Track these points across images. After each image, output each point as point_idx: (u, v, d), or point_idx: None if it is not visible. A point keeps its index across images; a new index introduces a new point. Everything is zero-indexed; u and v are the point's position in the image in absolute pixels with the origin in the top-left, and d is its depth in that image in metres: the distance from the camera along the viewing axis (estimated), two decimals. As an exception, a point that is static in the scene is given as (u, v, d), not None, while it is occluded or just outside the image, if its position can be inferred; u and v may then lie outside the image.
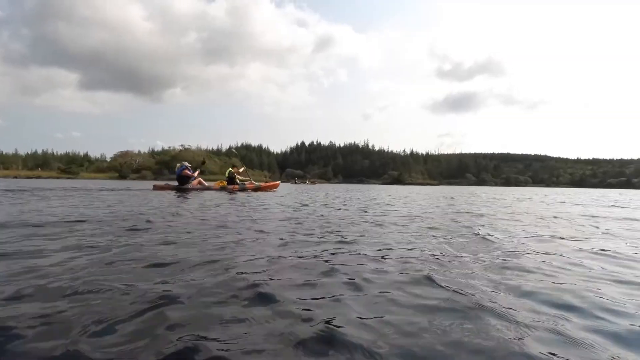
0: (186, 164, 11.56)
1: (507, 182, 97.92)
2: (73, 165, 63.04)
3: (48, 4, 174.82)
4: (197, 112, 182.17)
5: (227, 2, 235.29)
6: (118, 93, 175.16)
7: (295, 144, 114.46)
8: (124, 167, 62.99)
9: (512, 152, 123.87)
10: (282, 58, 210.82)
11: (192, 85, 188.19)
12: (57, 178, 51.02)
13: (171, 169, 66.05)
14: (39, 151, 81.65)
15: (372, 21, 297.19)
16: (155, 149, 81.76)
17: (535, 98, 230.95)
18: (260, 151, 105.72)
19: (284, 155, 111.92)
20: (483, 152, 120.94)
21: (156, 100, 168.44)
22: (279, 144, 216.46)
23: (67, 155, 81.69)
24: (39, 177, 52.39)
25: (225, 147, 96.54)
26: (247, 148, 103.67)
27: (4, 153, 75.10)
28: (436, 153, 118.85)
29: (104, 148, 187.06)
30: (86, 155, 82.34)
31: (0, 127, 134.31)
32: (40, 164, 71.66)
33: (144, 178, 59.71)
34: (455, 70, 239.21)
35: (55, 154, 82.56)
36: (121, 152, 69.64)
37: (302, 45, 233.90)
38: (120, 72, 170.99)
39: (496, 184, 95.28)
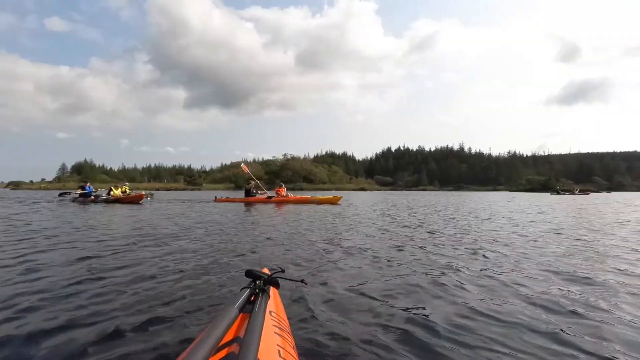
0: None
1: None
2: (197, 177, 69.55)
3: (170, 29, 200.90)
4: (295, 123, 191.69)
5: (336, 15, 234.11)
6: (221, 109, 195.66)
7: (381, 150, 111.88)
8: (239, 177, 67.29)
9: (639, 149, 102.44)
10: (378, 63, 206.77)
11: (289, 97, 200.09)
12: (184, 189, 56.17)
13: (282, 178, 70.23)
14: (152, 165, 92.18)
15: (479, 13, 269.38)
16: (263, 159, 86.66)
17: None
18: (345, 158, 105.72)
19: (370, 162, 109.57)
20: (600, 151, 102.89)
21: (254, 112, 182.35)
22: (365, 152, 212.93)
23: (174, 167, 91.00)
24: (176, 189, 58.61)
25: (312, 155, 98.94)
26: (332, 156, 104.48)
27: (126, 168, 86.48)
28: (545, 154, 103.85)
29: (211, 161, 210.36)
30: (190, 167, 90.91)
31: (126, 146, 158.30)
32: (154, 176, 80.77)
33: (258, 187, 62.74)
34: (578, 53, 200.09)
35: (165, 167, 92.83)
36: (234, 163, 75.31)
37: (398, 47, 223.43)
38: (222, 89, 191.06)
39: (638, 188, 79.10)
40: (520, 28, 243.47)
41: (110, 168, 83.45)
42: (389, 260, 3.02)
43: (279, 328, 0.98)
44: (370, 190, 68.54)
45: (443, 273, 2.56)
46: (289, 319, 1.29)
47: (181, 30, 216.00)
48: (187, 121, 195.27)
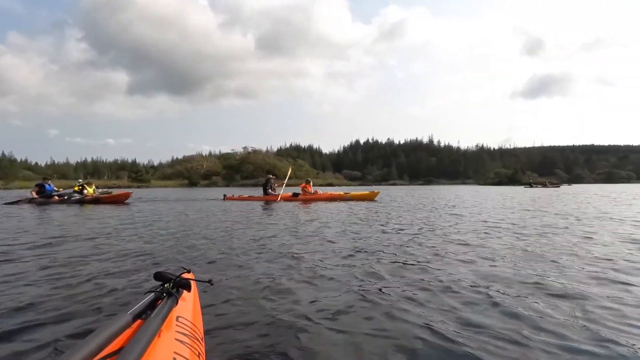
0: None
1: (609, 179, 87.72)
2: (143, 173, 64.85)
3: (108, 2, 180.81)
4: (256, 113, 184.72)
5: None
6: (171, 96, 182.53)
7: (349, 143, 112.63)
8: (192, 173, 63.61)
9: (597, 143, 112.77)
10: (346, 51, 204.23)
11: (249, 84, 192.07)
12: (129, 187, 51.36)
13: (243, 173, 67.02)
14: (89, 159, 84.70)
15: (447, 2, 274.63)
16: (220, 152, 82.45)
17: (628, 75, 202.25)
18: (311, 152, 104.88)
19: (337, 155, 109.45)
20: (561, 144, 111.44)
21: (209, 100, 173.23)
22: (331, 144, 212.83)
23: (115, 162, 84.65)
24: (118, 187, 53.21)
25: (275, 149, 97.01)
26: (297, 149, 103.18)
27: (56, 162, 78.90)
28: (511, 147, 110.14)
29: (160, 154, 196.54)
30: (134, 161, 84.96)
31: (55, 137, 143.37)
32: (91, 171, 74.37)
33: (215, 184, 59.41)
34: (542, 48, 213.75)
35: (104, 161, 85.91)
36: (186, 156, 71.22)
37: (367, 34, 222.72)
38: (172, 73, 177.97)
39: (595, 181, 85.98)
40: (487, 20, 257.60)
41: (36, 163, 75.23)
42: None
43: (185, 335, 0.94)
44: (339, 185, 67.07)
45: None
46: (207, 325, 1.29)
47: (121, 3, 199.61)
48: (131, 109, 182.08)
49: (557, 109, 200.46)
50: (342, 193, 12.07)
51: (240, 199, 12.22)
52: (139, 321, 0.90)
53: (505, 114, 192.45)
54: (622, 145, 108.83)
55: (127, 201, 11.63)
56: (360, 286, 2.24)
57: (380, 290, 2.17)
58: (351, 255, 3.15)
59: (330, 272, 2.59)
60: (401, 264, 2.82)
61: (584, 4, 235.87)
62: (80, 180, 12.85)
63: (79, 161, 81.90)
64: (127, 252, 3.33)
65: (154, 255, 3.17)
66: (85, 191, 11.68)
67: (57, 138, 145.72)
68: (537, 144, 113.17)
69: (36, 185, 11.97)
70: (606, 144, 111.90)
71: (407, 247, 3.57)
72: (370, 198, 11.84)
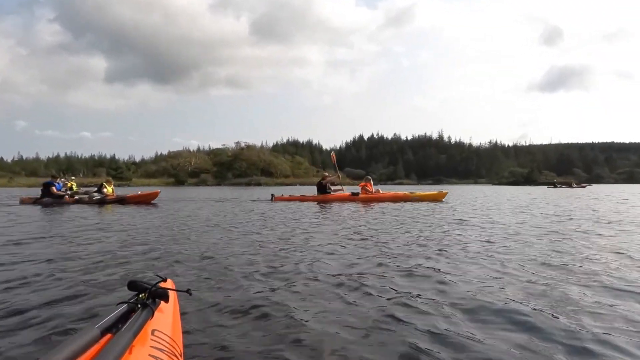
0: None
1: (631, 179, 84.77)
2: (124, 170, 61.70)
3: None
4: (249, 104, 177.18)
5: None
6: (154, 85, 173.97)
7: (352, 138, 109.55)
8: (179, 171, 59.98)
9: (617, 140, 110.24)
10: (348, 37, 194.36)
11: (241, 72, 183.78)
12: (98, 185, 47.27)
13: (235, 171, 63.08)
14: (62, 155, 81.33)
15: None
16: (210, 147, 79.54)
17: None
18: (310, 148, 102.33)
19: (339, 152, 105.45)
20: (579, 142, 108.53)
21: (198, 90, 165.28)
22: (332, 139, 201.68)
23: (92, 158, 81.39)
24: (96, 184, 48.86)
25: (270, 144, 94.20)
26: (294, 144, 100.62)
27: (24, 158, 75.48)
28: (526, 144, 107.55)
29: (143, 149, 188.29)
30: (113, 157, 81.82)
31: (23, 129, 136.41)
32: (64, 168, 69.25)
33: (204, 183, 55.10)
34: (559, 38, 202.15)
35: (80, 157, 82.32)
36: (172, 152, 67.85)
37: (372, 20, 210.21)
38: (156, 59, 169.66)
39: (616, 181, 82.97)
40: (503, 6, 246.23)
41: (1, 158, 70.46)
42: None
43: (162, 351, 0.91)
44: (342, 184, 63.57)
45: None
46: (188, 339, 1.26)
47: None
48: (110, 99, 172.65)
49: (576, 104, 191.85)
50: (407, 193, 11.92)
51: (292, 199, 12.00)
52: (108, 336, 0.86)
53: (520, 108, 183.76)
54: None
55: (153, 201, 11.47)
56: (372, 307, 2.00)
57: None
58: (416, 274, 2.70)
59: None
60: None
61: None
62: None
63: (50, 157, 78.46)
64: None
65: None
66: (104, 190, 11.16)
67: (25, 131, 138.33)
68: (554, 141, 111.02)
69: (44, 185, 11.36)
70: (627, 141, 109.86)
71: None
72: (438, 199, 11.59)
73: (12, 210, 8.95)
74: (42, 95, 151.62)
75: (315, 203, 10.74)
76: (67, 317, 1.81)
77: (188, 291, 1.21)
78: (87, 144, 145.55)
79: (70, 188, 18.11)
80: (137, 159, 78.85)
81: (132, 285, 1.10)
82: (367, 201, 10.81)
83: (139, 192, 11.77)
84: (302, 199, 11.84)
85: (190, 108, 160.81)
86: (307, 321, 1.78)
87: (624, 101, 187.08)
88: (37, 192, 11.33)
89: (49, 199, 10.72)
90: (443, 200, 11.60)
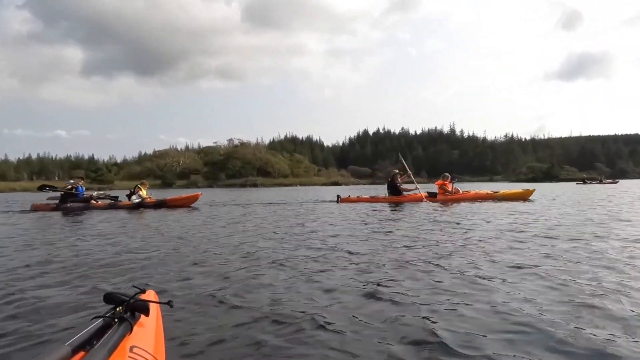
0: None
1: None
2: (105, 172, 58.08)
3: None
4: (243, 98, 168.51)
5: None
6: (138, 77, 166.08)
7: (356, 134, 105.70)
8: (166, 172, 57.64)
9: None
10: (350, 23, 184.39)
11: (234, 62, 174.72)
12: (87, 189, 42.65)
13: (228, 171, 58.61)
14: (34, 155, 77.11)
15: None
16: (200, 145, 76.53)
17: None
18: (311, 144, 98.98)
19: (342, 148, 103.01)
20: (601, 134, 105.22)
21: (186, 82, 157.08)
22: (335, 135, 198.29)
23: (68, 159, 77.95)
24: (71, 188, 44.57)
25: (267, 141, 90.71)
26: (293, 141, 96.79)
27: None
28: (544, 137, 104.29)
29: (125, 149, 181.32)
30: (92, 158, 78.41)
31: None
32: (36, 170, 68.62)
33: (195, 185, 50.46)
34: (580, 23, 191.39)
35: (54, 158, 78.21)
36: (158, 151, 66.37)
37: (375, 5, 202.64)
38: (139, 49, 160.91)
39: (641, 176, 79.27)
40: None
41: None
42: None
43: None
44: (346, 184, 63.29)
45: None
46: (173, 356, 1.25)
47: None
48: (87, 94, 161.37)
49: (597, 93, 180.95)
50: (490, 192, 11.53)
51: (360, 200, 11.56)
52: (80, 354, 0.83)
53: (538, 99, 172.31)
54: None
55: (193, 205, 11.47)
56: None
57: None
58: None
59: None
60: None
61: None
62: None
63: (21, 158, 73.86)
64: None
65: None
66: (140, 193, 10.84)
67: None
68: (575, 134, 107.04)
69: (68, 187, 11.00)
70: None
71: None
72: (525, 197, 11.25)
73: (24, 219, 8.22)
74: (11, 90, 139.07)
75: (387, 204, 10.31)
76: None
77: (169, 303, 1.16)
78: (62, 143, 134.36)
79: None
80: (119, 159, 75.25)
81: (109, 297, 1.05)
82: (445, 202, 10.40)
83: (182, 195, 11.85)
84: (373, 200, 11.48)
85: (178, 102, 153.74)
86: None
87: None
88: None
89: (76, 204, 10.41)
90: (530, 198, 11.19)
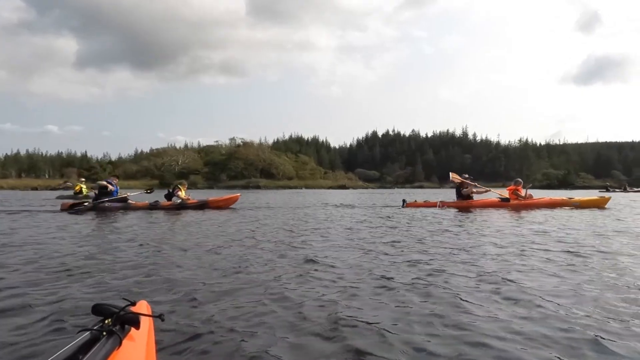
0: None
1: (679, 182, 79.69)
2: (99, 170, 55.60)
3: None
4: (247, 94, 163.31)
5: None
6: (134, 70, 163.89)
7: (364, 135, 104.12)
8: (165, 171, 56.55)
9: None
10: (362, 19, 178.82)
11: (238, 57, 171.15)
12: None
13: (230, 172, 56.72)
14: (22, 152, 75.93)
15: None
16: (200, 144, 76.20)
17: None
18: (317, 145, 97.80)
19: (349, 150, 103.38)
20: (618, 140, 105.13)
21: (186, 77, 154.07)
22: (342, 136, 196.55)
23: (59, 156, 77.45)
24: (66, 188, 44.95)
25: (270, 140, 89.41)
26: (298, 141, 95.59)
27: None
28: (560, 143, 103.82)
29: (120, 146, 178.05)
30: (85, 155, 77.62)
31: None
32: (26, 168, 67.55)
33: (194, 185, 48.64)
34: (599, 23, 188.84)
35: (45, 154, 77.11)
36: (157, 150, 65.41)
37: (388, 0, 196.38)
38: (136, 41, 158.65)
39: (662, 185, 78.01)
40: None
41: None
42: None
43: None
44: (354, 188, 62.65)
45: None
46: None
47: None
48: (81, 87, 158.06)
49: (615, 98, 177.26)
50: (564, 198, 11.43)
51: (427, 205, 11.45)
52: None
53: (553, 103, 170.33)
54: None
55: (232, 206, 11.63)
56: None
57: None
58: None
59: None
60: None
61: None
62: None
63: (9, 154, 72.34)
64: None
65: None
66: (179, 193, 10.91)
67: None
68: (591, 140, 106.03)
69: (99, 186, 10.95)
70: None
71: None
72: (600, 205, 11.14)
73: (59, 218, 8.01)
74: None
75: (457, 210, 10.28)
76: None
77: (160, 316, 1.13)
78: (53, 139, 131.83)
79: (80, 191, 17.63)
80: (114, 157, 74.39)
81: (97, 309, 1.02)
82: (517, 208, 10.44)
83: (224, 196, 11.98)
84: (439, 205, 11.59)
85: (177, 98, 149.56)
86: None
87: None
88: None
89: (114, 204, 10.33)
90: (605, 206, 11.07)
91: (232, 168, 61.74)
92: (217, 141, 72.66)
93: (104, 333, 0.94)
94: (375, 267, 3.30)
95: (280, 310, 2.19)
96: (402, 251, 4.13)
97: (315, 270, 3.18)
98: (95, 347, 0.87)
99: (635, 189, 38.44)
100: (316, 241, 4.77)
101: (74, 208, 9.87)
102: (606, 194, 25.87)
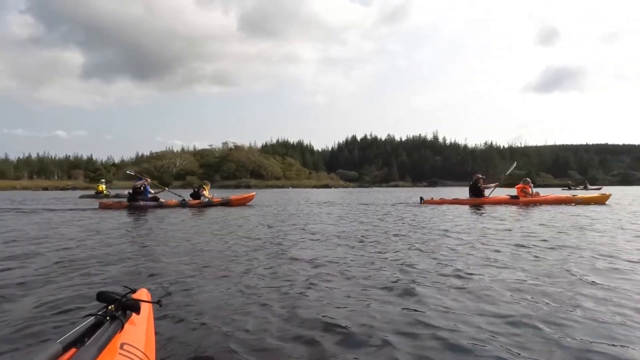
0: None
1: (625, 181, 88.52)
2: (103, 172, 60.71)
3: None
4: (237, 103, 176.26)
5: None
6: (135, 81, 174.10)
7: (344, 139, 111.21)
8: (163, 173, 60.55)
9: (611, 142, 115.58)
10: (342, 34, 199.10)
11: (229, 68, 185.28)
12: (86, 188, 47.79)
13: (223, 173, 62.74)
14: (34, 155, 79.74)
15: None
16: (195, 147, 79.70)
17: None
18: (301, 149, 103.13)
19: (331, 153, 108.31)
20: (574, 143, 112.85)
21: (181, 87, 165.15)
22: (324, 140, 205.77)
23: (67, 159, 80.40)
24: (74, 187, 50.31)
25: (259, 144, 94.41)
26: (284, 145, 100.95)
27: None
28: (522, 145, 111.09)
29: (122, 150, 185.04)
30: (90, 158, 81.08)
31: None
32: (36, 170, 70.14)
33: (190, 185, 54.57)
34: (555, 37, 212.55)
35: (53, 157, 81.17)
36: (156, 153, 68.79)
37: (366, 16, 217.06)
38: (136, 54, 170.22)
39: (611, 183, 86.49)
40: (499, 5, 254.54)
41: None
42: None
43: None
44: (335, 187, 66.89)
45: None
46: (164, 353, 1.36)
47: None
48: (86, 96, 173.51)
49: (572, 105, 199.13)
50: (569, 196, 12.01)
51: (443, 202, 11.94)
52: (72, 350, 0.85)
53: (515, 109, 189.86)
54: (638, 144, 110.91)
55: (249, 203, 12.26)
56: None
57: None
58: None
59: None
60: None
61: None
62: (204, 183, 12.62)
63: (21, 157, 76.58)
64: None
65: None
66: (204, 193, 11.52)
67: None
68: (550, 143, 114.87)
69: (139, 185, 11.04)
70: (621, 143, 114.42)
71: None
72: (600, 201, 11.56)
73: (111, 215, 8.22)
74: (10, 91, 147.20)
75: (469, 206, 10.52)
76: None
77: (158, 302, 1.23)
78: (61, 143, 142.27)
79: (101, 192, 18.27)
80: (116, 159, 77.75)
81: (101, 296, 1.09)
82: (526, 205, 10.63)
83: (243, 195, 12.60)
84: (455, 202, 11.77)
85: (174, 106, 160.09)
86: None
87: (618, 103, 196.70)
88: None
89: (149, 203, 10.66)
90: (606, 203, 11.45)
91: (225, 169, 64.75)
92: (211, 145, 76.60)
93: (108, 318, 1.00)
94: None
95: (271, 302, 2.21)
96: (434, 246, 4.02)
97: (321, 265, 3.17)
98: (99, 330, 0.93)
99: (595, 187, 40.04)
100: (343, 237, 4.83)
101: (132, 204, 10.47)
102: (569, 192, 29.53)
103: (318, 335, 1.74)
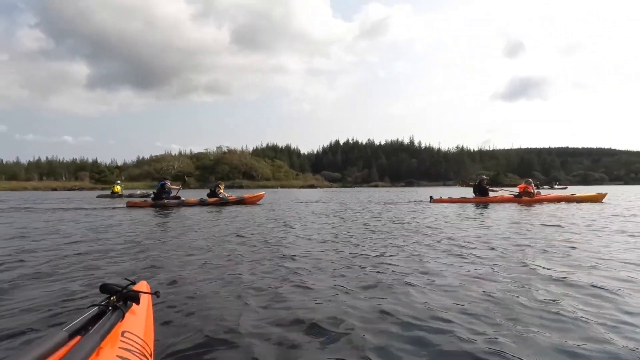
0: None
1: (584, 180, 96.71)
2: (107, 174, 65.41)
3: None
4: (230, 110, 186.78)
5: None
6: (136, 90, 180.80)
7: (328, 143, 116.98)
8: (163, 174, 64.59)
9: (572, 145, 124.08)
10: (326, 47, 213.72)
11: (222, 79, 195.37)
12: (92, 189, 51.40)
13: (217, 174, 69.02)
14: (43, 158, 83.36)
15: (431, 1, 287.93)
16: (191, 151, 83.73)
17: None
18: (289, 152, 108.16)
19: (316, 156, 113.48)
20: (537, 146, 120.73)
21: (178, 96, 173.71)
22: (310, 144, 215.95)
23: (74, 162, 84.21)
24: (81, 188, 54.09)
25: (250, 148, 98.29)
26: (274, 149, 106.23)
27: (4, 162, 77.38)
28: (490, 149, 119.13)
29: (124, 153, 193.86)
30: (95, 161, 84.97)
31: (3, 133, 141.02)
32: (46, 172, 74.03)
33: (188, 186, 60.59)
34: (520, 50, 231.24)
35: (61, 160, 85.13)
36: (156, 156, 73.46)
37: (348, 31, 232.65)
38: (137, 65, 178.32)
39: (571, 183, 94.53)
40: (470, 21, 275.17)
41: None
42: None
43: (131, 352, 0.96)
44: (321, 187, 70.77)
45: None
46: (162, 340, 1.49)
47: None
48: (91, 104, 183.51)
49: (536, 112, 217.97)
50: (567, 194, 12.48)
51: (451, 201, 12.30)
52: (76, 338, 0.89)
53: (484, 116, 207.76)
54: (595, 147, 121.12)
55: (258, 202, 12.95)
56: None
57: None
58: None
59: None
60: None
61: (563, 9, 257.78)
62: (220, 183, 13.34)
63: (31, 160, 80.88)
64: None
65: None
66: (221, 191, 12.32)
67: (4, 135, 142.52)
68: (516, 146, 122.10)
69: (163, 186, 11.59)
70: (580, 146, 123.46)
71: None
72: (597, 200, 12.03)
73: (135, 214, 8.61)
74: (22, 100, 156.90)
75: (475, 205, 10.93)
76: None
77: (156, 293, 1.29)
78: (68, 147, 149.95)
79: (116, 192, 18.96)
80: (119, 162, 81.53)
81: (104, 288, 1.14)
82: (528, 203, 10.94)
83: (254, 194, 13.24)
84: (463, 200, 12.15)
85: (171, 113, 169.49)
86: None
87: (578, 109, 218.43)
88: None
89: (172, 201, 11.15)
90: (602, 201, 11.82)
91: (219, 171, 67.94)
92: (206, 149, 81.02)
93: (110, 308, 1.05)
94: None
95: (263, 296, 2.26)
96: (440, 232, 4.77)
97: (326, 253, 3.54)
98: (102, 319, 0.97)
99: (562, 186, 40.98)
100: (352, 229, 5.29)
101: (157, 203, 10.85)
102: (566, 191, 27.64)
103: (305, 328, 1.78)
